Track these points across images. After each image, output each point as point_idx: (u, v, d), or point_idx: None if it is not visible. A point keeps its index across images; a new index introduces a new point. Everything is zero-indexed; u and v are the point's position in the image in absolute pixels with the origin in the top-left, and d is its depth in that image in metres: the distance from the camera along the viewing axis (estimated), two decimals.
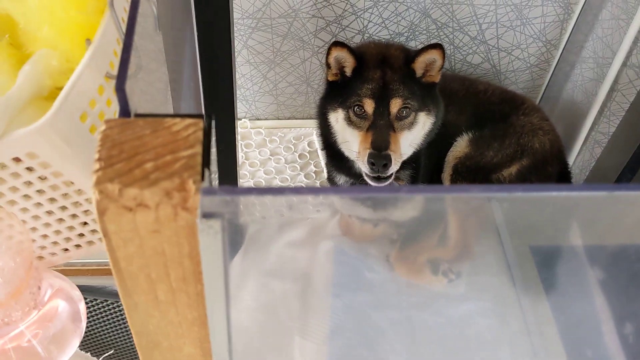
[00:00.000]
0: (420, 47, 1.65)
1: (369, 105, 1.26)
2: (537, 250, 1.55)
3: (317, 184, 1.69)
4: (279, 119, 1.83)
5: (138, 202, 0.43)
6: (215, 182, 0.52)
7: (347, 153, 1.36)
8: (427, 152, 1.41)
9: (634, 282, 1.23)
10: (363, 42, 1.38)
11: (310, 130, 1.81)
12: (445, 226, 1.58)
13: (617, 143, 1.50)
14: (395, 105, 1.26)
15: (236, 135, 1.18)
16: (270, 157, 1.76)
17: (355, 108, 1.27)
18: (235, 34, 1.59)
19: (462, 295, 1.55)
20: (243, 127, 1.81)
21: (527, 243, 1.62)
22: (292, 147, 1.78)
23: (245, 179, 1.70)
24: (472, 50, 1.66)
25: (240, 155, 1.75)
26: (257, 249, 1.55)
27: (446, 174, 1.49)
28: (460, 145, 1.49)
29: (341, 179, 1.47)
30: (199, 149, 0.45)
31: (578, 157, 1.69)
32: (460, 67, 1.71)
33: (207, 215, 0.41)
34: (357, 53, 1.28)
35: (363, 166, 1.27)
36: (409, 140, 1.31)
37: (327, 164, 1.53)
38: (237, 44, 1.62)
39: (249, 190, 0.41)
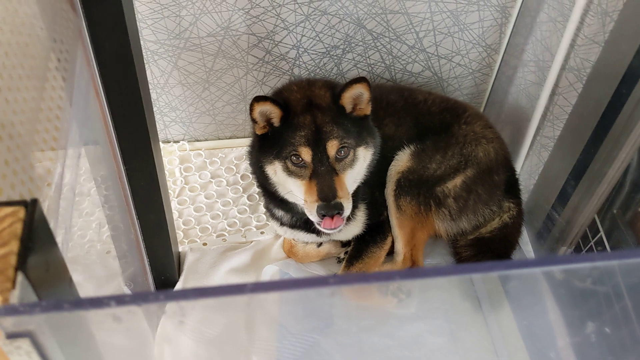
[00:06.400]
0: (358, 58, 1.61)
1: (306, 153, 1.20)
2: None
3: (261, 206, 1.62)
4: (219, 138, 1.76)
5: None
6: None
7: (291, 199, 1.30)
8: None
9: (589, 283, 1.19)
10: (284, 84, 1.34)
11: None
12: (392, 241, 1.53)
13: (563, 147, 1.47)
14: (332, 147, 1.21)
15: (156, 161, 1.11)
16: (212, 179, 1.69)
17: (292, 158, 1.21)
18: (163, 56, 1.52)
19: (413, 315, 1.50)
20: (182, 149, 1.74)
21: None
22: (234, 167, 1.71)
23: (184, 204, 1.63)
24: (411, 59, 1.62)
25: (179, 180, 1.68)
26: (198, 279, 1.48)
27: (389, 189, 1.44)
28: (402, 159, 1.44)
29: (280, 213, 1.42)
30: (14, 246, 0.38)
31: (526, 162, 1.66)
32: (401, 77, 1.66)
33: (12, 336, 0.35)
34: (282, 102, 1.21)
35: (314, 218, 1.22)
36: (353, 178, 1.27)
37: (266, 202, 1.48)
38: (167, 66, 1.55)
39: (59, 305, 0.35)
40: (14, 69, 0.57)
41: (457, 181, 1.43)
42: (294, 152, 1.21)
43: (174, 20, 1.45)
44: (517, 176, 1.55)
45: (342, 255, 1.53)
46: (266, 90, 1.65)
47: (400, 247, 1.46)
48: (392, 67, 1.63)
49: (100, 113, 0.97)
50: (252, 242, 1.56)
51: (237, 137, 1.76)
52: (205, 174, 1.70)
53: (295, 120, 1.22)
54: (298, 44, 1.55)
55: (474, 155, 1.45)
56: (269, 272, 1.50)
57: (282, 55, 1.57)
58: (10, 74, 0.56)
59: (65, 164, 0.70)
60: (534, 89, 1.57)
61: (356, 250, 1.46)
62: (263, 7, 1.45)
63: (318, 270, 1.53)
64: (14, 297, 0.37)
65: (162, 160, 1.21)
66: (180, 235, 1.55)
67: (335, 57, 1.59)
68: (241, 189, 1.67)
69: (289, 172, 1.23)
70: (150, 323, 1.31)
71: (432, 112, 1.48)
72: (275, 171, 1.26)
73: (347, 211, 1.22)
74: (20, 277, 0.37)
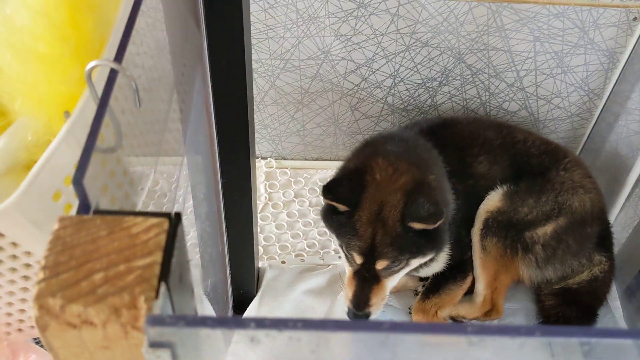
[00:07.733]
0: (453, 92, 1.59)
1: (357, 259, 1.19)
2: None
3: None
4: (305, 159, 1.78)
5: (82, 319, 0.38)
6: (201, 288, 0.46)
7: None
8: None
9: None
10: (373, 151, 1.23)
11: None
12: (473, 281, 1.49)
13: None
14: (381, 265, 1.19)
15: (252, 177, 1.13)
16: (295, 199, 1.70)
17: (345, 248, 1.21)
18: (262, 74, 1.56)
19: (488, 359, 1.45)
20: (268, 166, 1.77)
21: None
22: (318, 189, 1.72)
23: (267, 221, 1.65)
24: (508, 97, 1.59)
25: (263, 196, 1.70)
26: (275, 296, 1.49)
27: (476, 228, 1.41)
28: (493, 199, 1.40)
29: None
30: (158, 257, 0.40)
31: (621, 214, 1.59)
32: (496, 114, 1.63)
33: (154, 345, 0.36)
34: (350, 202, 1.16)
35: (344, 305, 1.23)
36: (400, 277, 1.25)
37: None
38: (265, 84, 1.58)
39: (203, 321, 0.35)
40: (153, 81, 0.60)
41: (548, 229, 1.38)
42: (347, 250, 1.20)
43: (277, 41, 1.48)
44: (610, 229, 1.48)
45: (419, 289, 1.50)
46: (358, 117, 1.66)
47: (481, 288, 1.42)
48: (488, 104, 1.61)
49: (207, 125, 1.00)
50: (329, 265, 1.56)
51: (323, 160, 1.78)
52: (289, 193, 1.71)
53: (358, 223, 1.16)
54: (395, 73, 1.55)
55: (569, 205, 1.39)
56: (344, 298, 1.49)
57: (377, 83, 1.58)
58: (151, 86, 0.58)
59: (181, 174, 0.72)
60: (636, 138, 1.50)
61: (434, 285, 1.43)
62: (365, 35, 1.47)
63: (393, 302, 1.50)
64: (157, 307, 0.38)
65: (256, 176, 1.23)
66: (260, 250, 1.57)
67: (431, 89, 1.58)
68: None
69: (342, 250, 1.23)
70: (225, 339, 1.32)
71: (531, 153, 1.43)
72: (333, 237, 1.26)
73: (377, 314, 1.22)
74: (162, 287, 0.38)
